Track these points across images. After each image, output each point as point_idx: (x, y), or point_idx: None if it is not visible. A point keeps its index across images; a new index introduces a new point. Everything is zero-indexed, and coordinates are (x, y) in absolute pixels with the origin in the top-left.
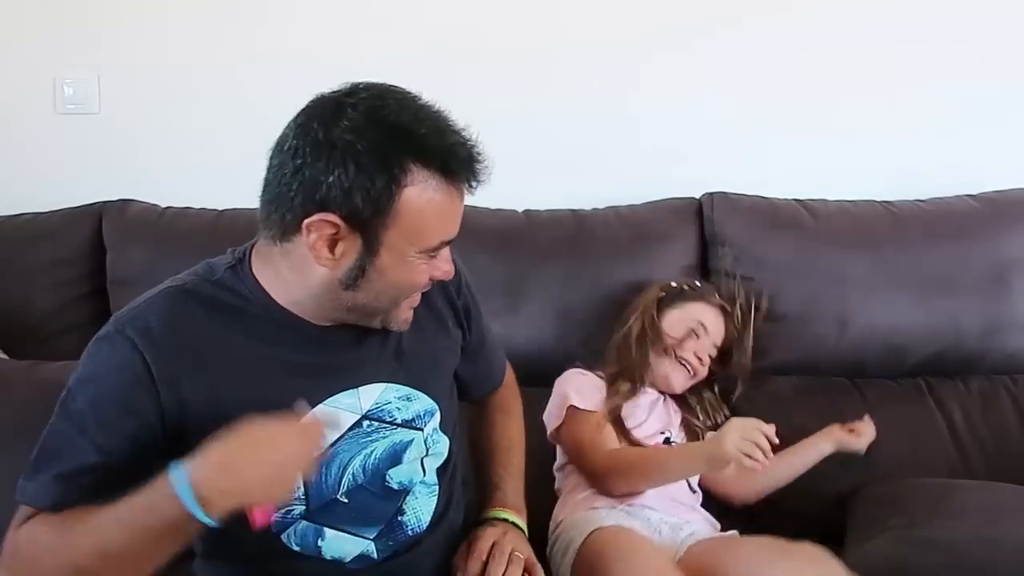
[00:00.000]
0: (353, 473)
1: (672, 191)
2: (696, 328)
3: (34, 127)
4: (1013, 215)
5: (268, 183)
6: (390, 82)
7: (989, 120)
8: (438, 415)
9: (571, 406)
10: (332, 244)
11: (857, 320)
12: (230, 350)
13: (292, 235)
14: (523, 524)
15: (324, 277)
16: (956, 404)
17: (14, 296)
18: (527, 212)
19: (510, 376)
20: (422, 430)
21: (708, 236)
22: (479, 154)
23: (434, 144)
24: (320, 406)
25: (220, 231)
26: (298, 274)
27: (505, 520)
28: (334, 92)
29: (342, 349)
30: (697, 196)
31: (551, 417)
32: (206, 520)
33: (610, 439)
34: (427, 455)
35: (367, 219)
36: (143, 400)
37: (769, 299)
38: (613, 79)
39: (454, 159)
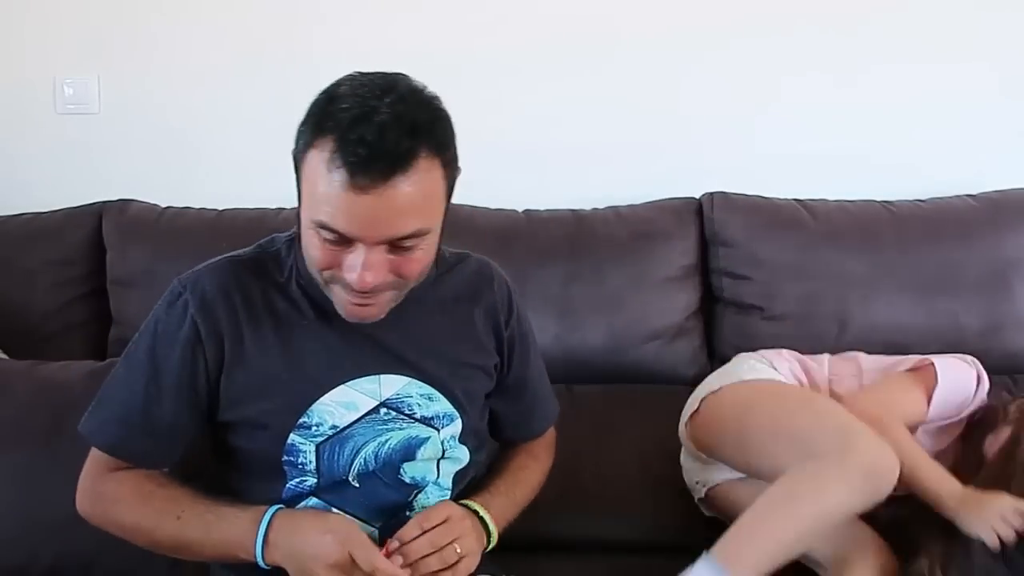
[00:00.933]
0: (365, 458)
1: (672, 191)
2: None
3: (34, 127)
4: (1013, 215)
5: None
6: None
7: (989, 120)
8: (459, 423)
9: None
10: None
11: (857, 320)
12: (268, 322)
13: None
14: (493, 531)
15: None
16: None
17: (14, 296)
18: (527, 212)
19: (550, 435)
20: (439, 431)
21: (708, 236)
22: (369, 158)
23: (342, 126)
24: (341, 386)
25: (220, 231)
26: None
27: (475, 513)
28: None
29: (371, 335)
30: (697, 196)
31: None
32: (260, 562)
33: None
34: (443, 457)
35: (297, 166)
36: (189, 359)
37: (768, 299)
38: (613, 80)
39: (344, 147)
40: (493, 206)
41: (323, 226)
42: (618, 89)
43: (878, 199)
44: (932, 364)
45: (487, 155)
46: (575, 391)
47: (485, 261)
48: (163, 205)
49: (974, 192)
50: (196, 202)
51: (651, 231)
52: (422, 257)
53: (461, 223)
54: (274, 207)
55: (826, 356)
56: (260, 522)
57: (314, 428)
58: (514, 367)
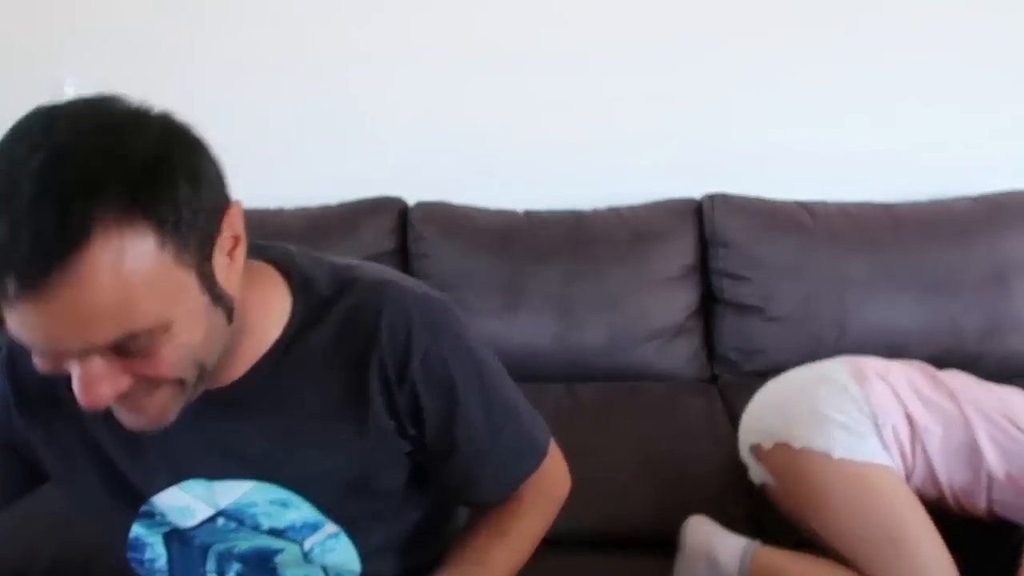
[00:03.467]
0: (216, 553)
1: (672, 191)
2: None
3: None
4: (1013, 215)
5: None
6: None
7: (989, 120)
8: (329, 527)
9: None
10: None
11: (857, 321)
12: (62, 411)
13: None
14: None
15: None
16: None
17: None
18: (527, 212)
19: (534, 494)
20: (300, 542)
21: (708, 236)
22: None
23: None
24: (172, 489)
25: None
26: None
27: None
28: None
29: (208, 425)
30: (697, 196)
31: None
32: None
33: None
34: (316, 564)
35: None
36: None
37: (768, 300)
38: (614, 80)
39: None
40: (493, 206)
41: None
42: (618, 89)
43: (878, 200)
44: None
45: (487, 155)
46: (575, 391)
47: (371, 293)
48: None
49: (974, 193)
50: None
51: (651, 231)
52: (171, 354)
53: (461, 223)
54: (274, 207)
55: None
56: None
57: (157, 518)
58: (429, 429)
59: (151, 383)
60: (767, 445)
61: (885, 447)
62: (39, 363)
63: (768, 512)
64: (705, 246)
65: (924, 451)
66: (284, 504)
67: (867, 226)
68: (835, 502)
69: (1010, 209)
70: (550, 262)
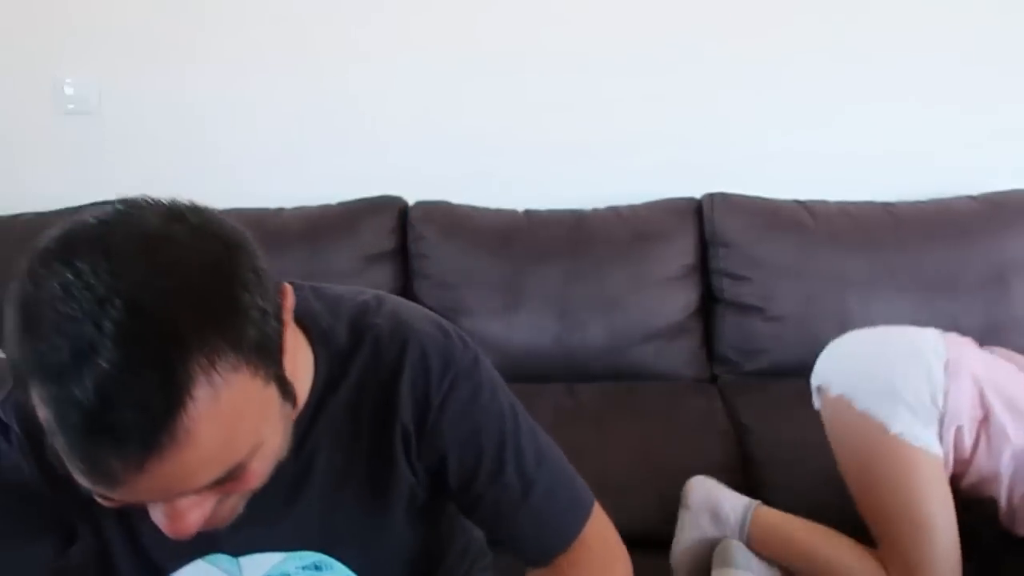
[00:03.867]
0: None
1: (672, 191)
2: None
3: (34, 127)
4: (1013, 215)
5: None
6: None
7: (989, 120)
8: None
9: None
10: None
11: (857, 321)
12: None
13: None
14: None
15: None
16: None
17: None
18: (527, 212)
19: (594, 555)
20: None
21: (708, 236)
22: (104, 444)
23: (50, 375)
24: (198, 561)
25: None
26: None
27: None
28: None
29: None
30: (697, 196)
31: None
32: None
33: None
34: None
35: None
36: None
37: (769, 300)
38: (614, 80)
39: (62, 425)
40: (493, 206)
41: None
42: (618, 89)
43: (878, 200)
44: None
45: (487, 155)
46: (575, 391)
47: (390, 343)
48: None
49: (974, 192)
50: (196, 202)
51: (651, 231)
52: (261, 467)
53: (461, 223)
54: (274, 207)
55: None
56: None
57: None
58: (453, 479)
59: (232, 501)
60: (832, 392)
61: (942, 441)
62: (107, 503)
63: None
64: (705, 246)
65: (995, 456)
66: (318, 567)
67: (867, 226)
68: (874, 469)
69: (1010, 209)
70: (550, 262)
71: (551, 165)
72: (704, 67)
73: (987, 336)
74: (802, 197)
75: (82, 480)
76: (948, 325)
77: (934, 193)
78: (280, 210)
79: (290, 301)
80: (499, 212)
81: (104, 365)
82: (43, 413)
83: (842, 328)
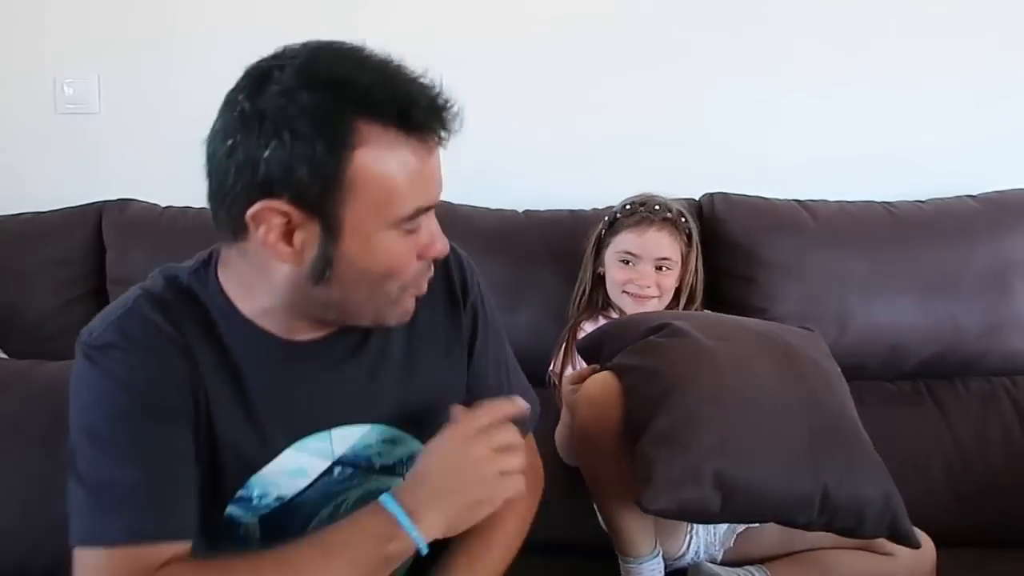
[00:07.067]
0: (321, 522)
1: (672, 191)
2: (622, 258)
3: (34, 127)
4: (1013, 215)
5: (208, 176)
6: None
7: (989, 120)
8: None
9: None
10: (288, 235)
11: (857, 321)
12: (209, 371)
13: (242, 232)
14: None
15: (289, 275)
16: (956, 406)
17: (14, 296)
18: (527, 212)
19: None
20: (403, 476)
21: (708, 236)
22: (445, 99)
23: (384, 94)
24: (286, 451)
25: None
26: (261, 276)
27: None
28: (261, 59)
29: (317, 377)
30: (697, 196)
31: None
32: (416, 535)
33: None
34: None
35: (318, 196)
36: (159, 398)
37: (769, 299)
38: (613, 80)
39: (412, 107)
40: (493, 206)
41: (418, 212)
42: (618, 89)
43: (878, 200)
44: None
45: (487, 155)
46: None
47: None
48: (163, 205)
49: (974, 192)
50: (196, 202)
51: None
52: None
53: (461, 223)
54: None
55: None
56: (384, 504)
57: (255, 500)
58: (474, 355)
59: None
60: None
61: None
62: (408, 254)
63: None
64: (705, 246)
65: None
66: (393, 441)
67: (868, 226)
68: None
69: (1010, 209)
70: (550, 262)
71: (551, 165)
72: (704, 67)
73: (987, 336)
74: (802, 197)
75: (426, 160)
76: (948, 325)
77: (934, 193)
78: None
79: None
80: (499, 212)
81: (402, 69)
82: (380, 147)
83: (842, 328)
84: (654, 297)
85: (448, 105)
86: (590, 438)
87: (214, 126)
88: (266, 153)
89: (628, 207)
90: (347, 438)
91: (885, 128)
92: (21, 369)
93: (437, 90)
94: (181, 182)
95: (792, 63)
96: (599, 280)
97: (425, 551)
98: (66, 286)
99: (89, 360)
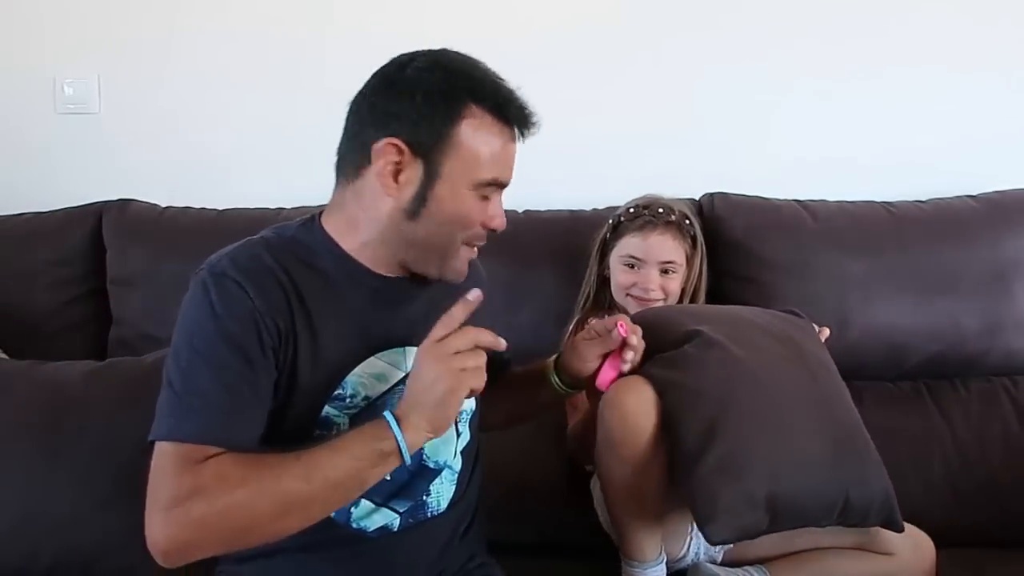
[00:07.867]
0: None
1: (672, 191)
2: (627, 262)
3: (34, 127)
4: (1013, 215)
5: (347, 120)
6: None
7: (989, 120)
8: (473, 400)
9: None
10: (397, 173)
11: (857, 321)
12: (308, 295)
13: (363, 168)
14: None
15: (390, 208)
16: (956, 406)
17: (14, 296)
18: (527, 212)
19: None
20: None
21: (708, 236)
22: (531, 110)
23: (490, 89)
24: (371, 358)
25: (220, 231)
26: (367, 210)
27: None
28: (397, 56)
29: (399, 304)
30: (697, 196)
31: None
32: (396, 431)
33: None
34: (458, 438)
35: (429, 146)
36: (260, 332)
37: (769, 300)
38: (613, 80)
39: (508, 105)
40: None
41: (494, 183)
42: (618, 90)
43: (878, 200)
44: None
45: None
46: None
47: None
48: (163, 205)
49: (974, 192)
50: (196, 202)
51: None
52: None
53: None
54: (274, 207)
55: None
56: (384, 415)
57: (348, 400)
58: None
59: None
60: None
61: None
62: (477, 212)
63: None
64: (705, 246)
65: None
66: None
67: (868, 226)
68: None
69: (1010, 209)
70: (550, 262)
71: (551, 165)
72: (705, 67)
73: (988, 336)
74: (802, 197)
75: (508, 146)
76: (948, 325)
77: (934, 193)
78: (280, 210)
79: None
80: None
81: (501, 80)
82: (479, 124)
83: (842, 328)
84: (659, 300)
85: (532, 113)
86: (615, 445)
87: (360, 91)
88: (399, 108)
89: (632, 210)
90: (413, 356)
91: (885, 128)
92: (21, 369)
93: (525, 101)
94: (181, 182)
95: (793, 63)
96: (604, 281)
97: (404, 445)
98: (66, 286)
99: (203, 286)
